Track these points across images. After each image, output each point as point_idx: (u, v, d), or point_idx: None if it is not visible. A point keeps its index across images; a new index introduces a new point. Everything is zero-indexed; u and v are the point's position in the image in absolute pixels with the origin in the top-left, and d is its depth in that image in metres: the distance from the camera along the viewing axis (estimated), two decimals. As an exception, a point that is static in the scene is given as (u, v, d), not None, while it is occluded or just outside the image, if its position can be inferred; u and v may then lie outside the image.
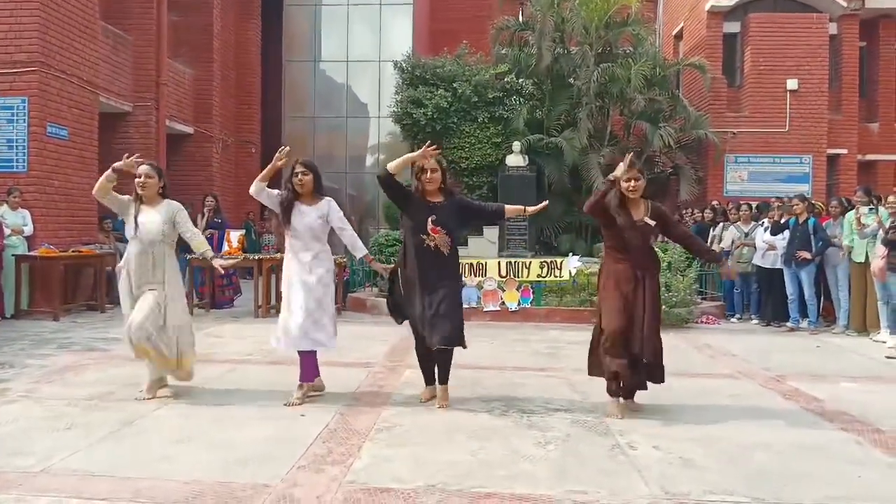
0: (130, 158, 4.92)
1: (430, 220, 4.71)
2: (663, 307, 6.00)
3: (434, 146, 4.81)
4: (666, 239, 6.77)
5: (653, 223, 4.69)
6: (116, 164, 4.88)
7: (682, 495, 3.29)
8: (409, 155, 4.88)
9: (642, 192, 4.68)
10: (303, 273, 4.85)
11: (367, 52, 18.18)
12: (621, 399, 4.71)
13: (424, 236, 4.71)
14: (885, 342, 7.80)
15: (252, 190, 4.93)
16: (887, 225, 7.72)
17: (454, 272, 4.91)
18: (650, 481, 3.46)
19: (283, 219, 4.90)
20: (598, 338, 4.74)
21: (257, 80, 18.02)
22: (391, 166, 4.75)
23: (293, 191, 4.86)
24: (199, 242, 5.14)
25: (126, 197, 5.04)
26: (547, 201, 5.43)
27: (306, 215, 4.87)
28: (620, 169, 4.62)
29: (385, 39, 18.15)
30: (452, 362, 4.86)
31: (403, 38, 17.80)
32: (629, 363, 4.58)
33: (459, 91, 14.42)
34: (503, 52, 15.74)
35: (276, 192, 4.98)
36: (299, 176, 4.85)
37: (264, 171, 4.90)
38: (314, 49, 18.56)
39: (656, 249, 4.98)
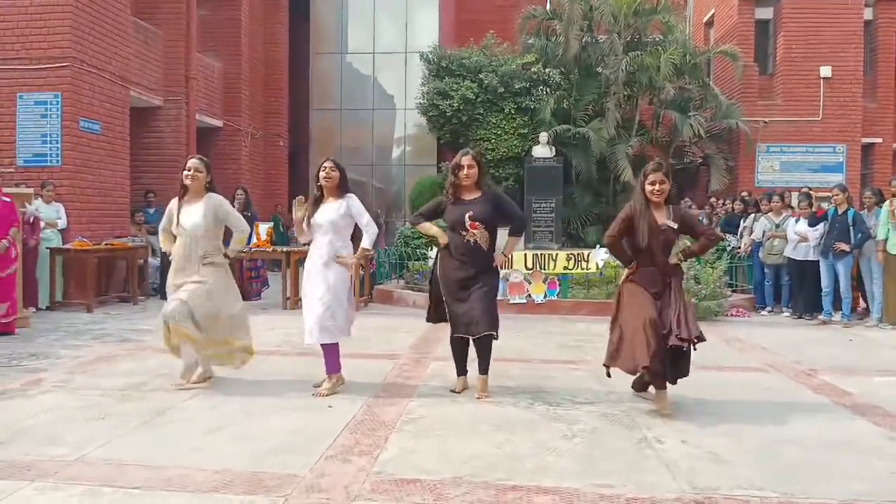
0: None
1: (467, 216, 4.80)
2: (693, 300, 5.83)
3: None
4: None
5: (675, 226, 4.58)
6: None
7: (711, 490, 3.26)
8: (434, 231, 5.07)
9: (666, 195, 4.57)
10: (322, 266, 4.95)
11: (393, 44, 18.19)
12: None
13: (464, 232, 4.82)
14: (920, 335, 7.65)
15: (302, 240, 5.19)
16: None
17: (493, 267, 5.00)
18: (678, 476, 3.44)
19: (310, 211, 5.05)
20: (619, 335, 4.61)
21: (285, 72, 18.11)
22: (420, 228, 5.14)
23: (320, 188, 5.05)
24: (240, 237, 5.28)
25: (171, 205, 5.22)
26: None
27: (329, 210, 5.00)
28: None
29: (411, 31, 18.14)
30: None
31: (429, 30, 17.78)
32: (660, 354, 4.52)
33: (486, 82, 14.37)
34: (530, 41, 15.65)
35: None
36: (327, 170, 5.02)
37: (299, 220, 5.05)
38: (341, 41, 18.61)
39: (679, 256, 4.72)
